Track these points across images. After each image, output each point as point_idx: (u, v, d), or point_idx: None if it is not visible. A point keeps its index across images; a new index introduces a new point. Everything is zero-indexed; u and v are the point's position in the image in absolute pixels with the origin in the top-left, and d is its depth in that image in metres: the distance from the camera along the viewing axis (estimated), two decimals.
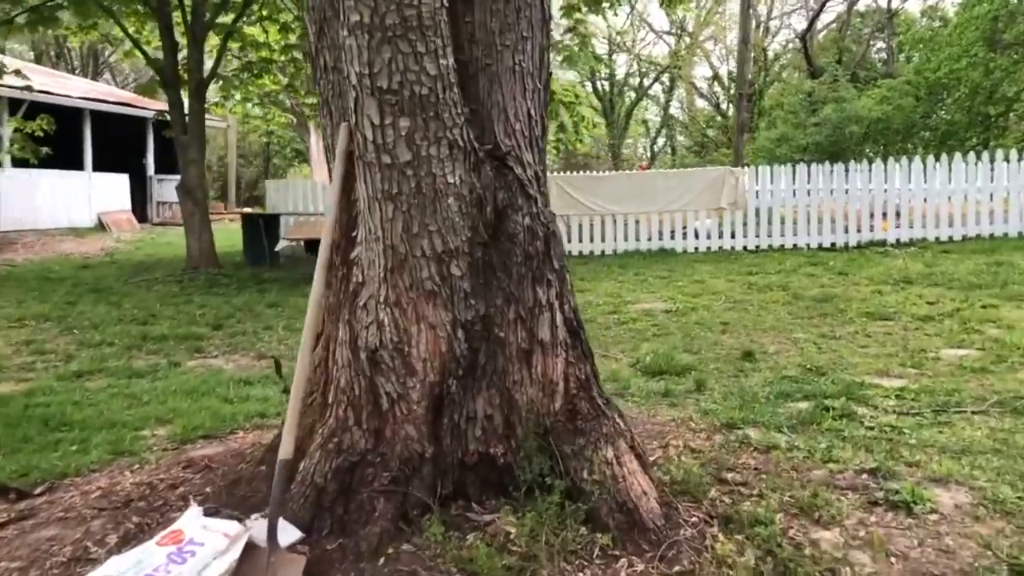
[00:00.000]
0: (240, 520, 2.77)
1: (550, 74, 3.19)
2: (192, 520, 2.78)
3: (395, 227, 2.82)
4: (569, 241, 13.91)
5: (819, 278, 10.26)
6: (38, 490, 3.84)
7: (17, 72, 13.55)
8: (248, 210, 21.27)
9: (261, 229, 13.87)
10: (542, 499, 2.93)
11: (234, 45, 15.00)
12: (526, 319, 3.04)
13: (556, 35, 14.43)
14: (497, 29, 2.95)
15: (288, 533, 2.72)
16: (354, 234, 3.11)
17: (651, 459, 3.47)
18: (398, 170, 2.76)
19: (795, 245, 13.55)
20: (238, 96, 17.44)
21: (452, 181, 2.81)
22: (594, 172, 17.28)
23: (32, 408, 5.25)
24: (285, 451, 2.77)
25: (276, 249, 13.65)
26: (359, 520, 2.89)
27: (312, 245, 9.99)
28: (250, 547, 2.66)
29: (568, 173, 16.41)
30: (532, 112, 3.06)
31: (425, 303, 2.92)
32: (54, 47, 35.99)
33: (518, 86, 3.00)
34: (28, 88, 14.56)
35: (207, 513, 2.85)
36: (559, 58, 15.38)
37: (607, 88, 40.91)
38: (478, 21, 2.95)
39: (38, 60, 33.90)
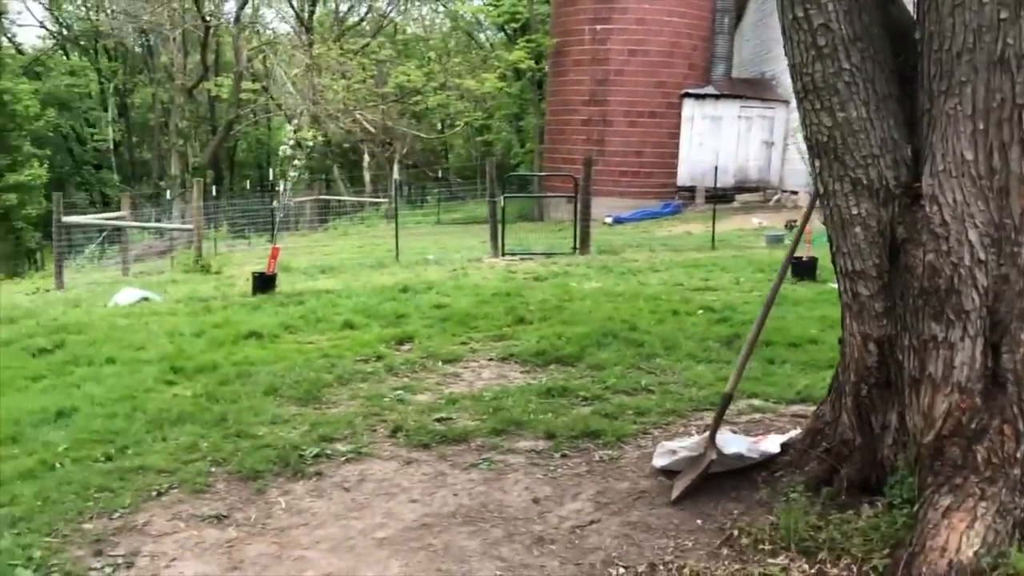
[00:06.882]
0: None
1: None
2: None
3: (831, 244, 3.48)
4: None
5: None
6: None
7: None
8: None
9: None
10: (889, 521, 3.16)
11: None
12: (918, 350, 3.16)
13: None
14: (936, 75, 3.07)
15: (725, 444, 3.85)
16: None
17: None
18: (820, 199, 3.44)
19: None
20: None
21: (856, 212, 3.29)
22: None
23: None
24: (728, 386, 3.87)
25: None
26: (792, 468, 3.75)
27: None
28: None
29: None
30: (967, 155, 3.00)
31: (845, 312, 3.47)
32: None
33: (952, 129, 3.03)
34: None
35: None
36: None
37: None
38: (922, 70, 3.14)
39: None
